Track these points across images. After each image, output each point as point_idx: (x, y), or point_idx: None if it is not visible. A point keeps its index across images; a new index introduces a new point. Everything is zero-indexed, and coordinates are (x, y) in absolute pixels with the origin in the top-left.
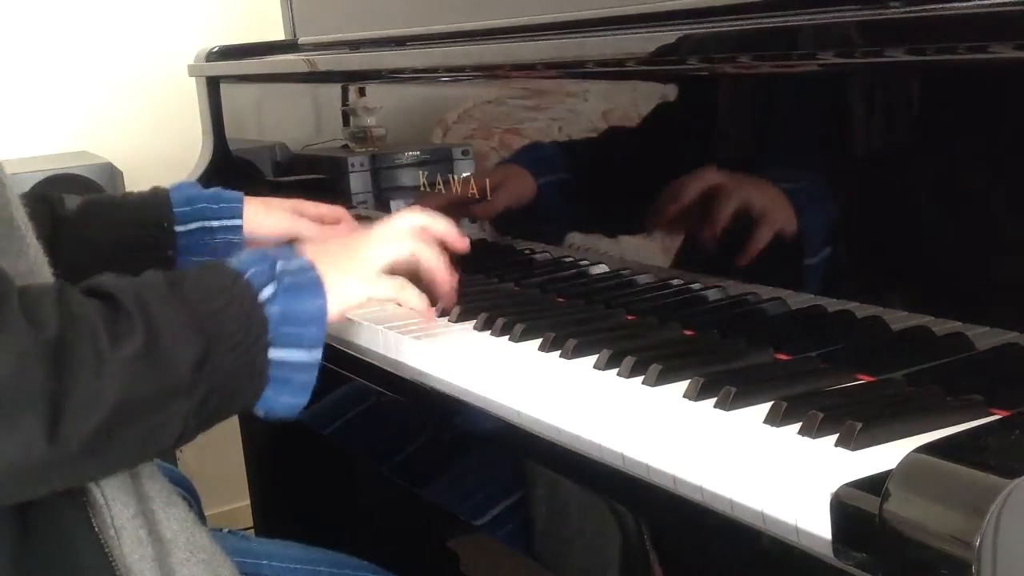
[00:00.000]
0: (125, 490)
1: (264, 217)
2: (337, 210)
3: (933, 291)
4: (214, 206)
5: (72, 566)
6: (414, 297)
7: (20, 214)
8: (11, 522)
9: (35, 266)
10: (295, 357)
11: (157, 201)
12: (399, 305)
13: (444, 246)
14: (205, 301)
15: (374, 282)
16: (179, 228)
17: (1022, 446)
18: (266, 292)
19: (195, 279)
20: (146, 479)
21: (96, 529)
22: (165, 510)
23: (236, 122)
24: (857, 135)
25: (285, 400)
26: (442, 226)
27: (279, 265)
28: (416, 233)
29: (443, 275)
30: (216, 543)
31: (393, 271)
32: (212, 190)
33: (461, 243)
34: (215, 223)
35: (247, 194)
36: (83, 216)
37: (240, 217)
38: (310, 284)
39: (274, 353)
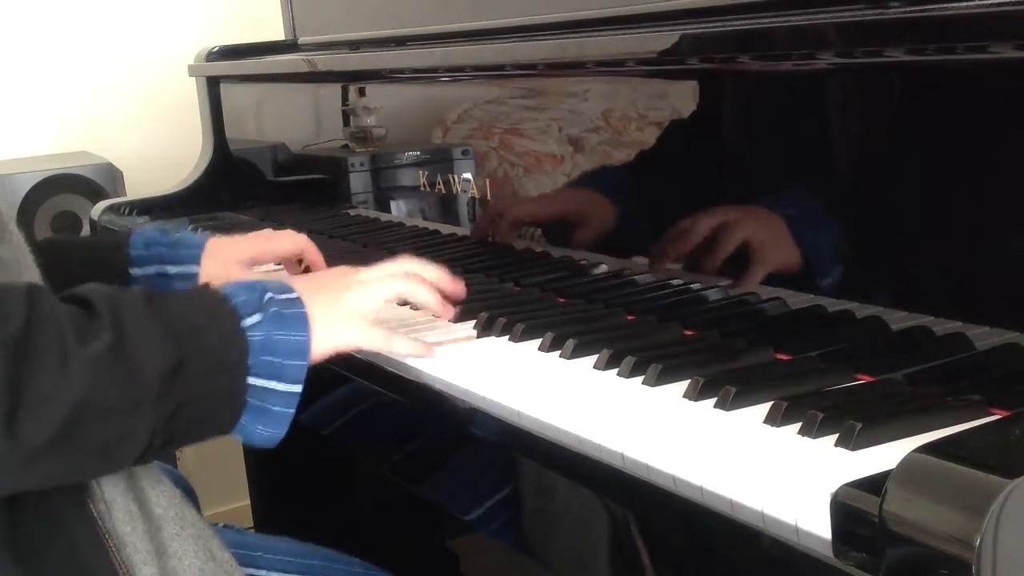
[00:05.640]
0: None
1: (215, 269)
2: (298, 242)
3: (933, 291)
4: (171, 252)
5: (65, 541)
6: (404, 345)
7: (2, 204)
8: (2, 499)
9: (19, 252)
10: (273, 387)
11: (115, 244)
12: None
13: (440, 291)
14: (186, 317)
15: (363, 331)
16: (136, 271)
17: (1022, 446)
18: (251, 319)
19: (180, 297)
20: None
21: (87, 504)
22: (153, 487)
23: (236, 122)
24: (857, 135)
25: (262, 430)
26: (433, 273)
27: (268, 295)
28: (406, 276)
29: (437, 309)
30: (204, 520)
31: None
32: (177, 235)
33: (455, 288)
34: (172, 269)
35: (248, 195)
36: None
37: (196, 264)
38: (296, 318)
39: (253, 381)
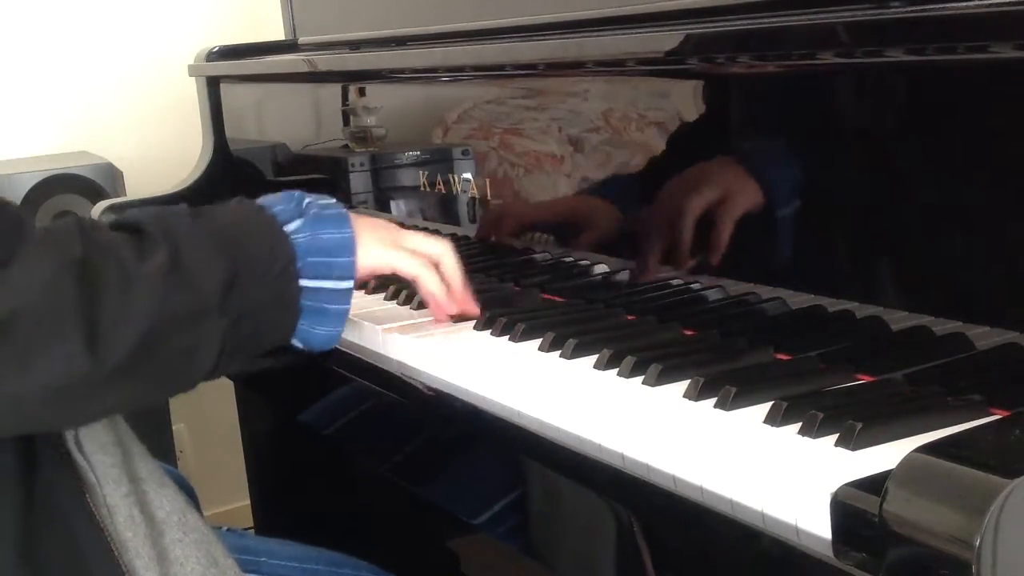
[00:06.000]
0: (116, 469)
1: None
2: None
3: (933, 291)
4: None
5: (71, 544)
6: (435, 283)
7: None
8: (15, 499)
9: None
10: (327, 286)
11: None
12: (417, 289)
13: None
14: (230, 232)
15: (401, 255)
16: None
17: (1022, 446)
18: (293, 224)
19: (221, 212)
20: (137, 459)
21: (90, 507)
22: (157, 491)
23: (236, 122)
24: (857, 135)
25: (320, 330)
26: (455, 270)
27: (306, 200)
28: (430, 263)
29: (440, 303)
30: (207, 525)
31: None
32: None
33: (464, 295)
34: None
35: (248, 195)
36: None
37: None
38: (337, 218)
39: (305, 282)
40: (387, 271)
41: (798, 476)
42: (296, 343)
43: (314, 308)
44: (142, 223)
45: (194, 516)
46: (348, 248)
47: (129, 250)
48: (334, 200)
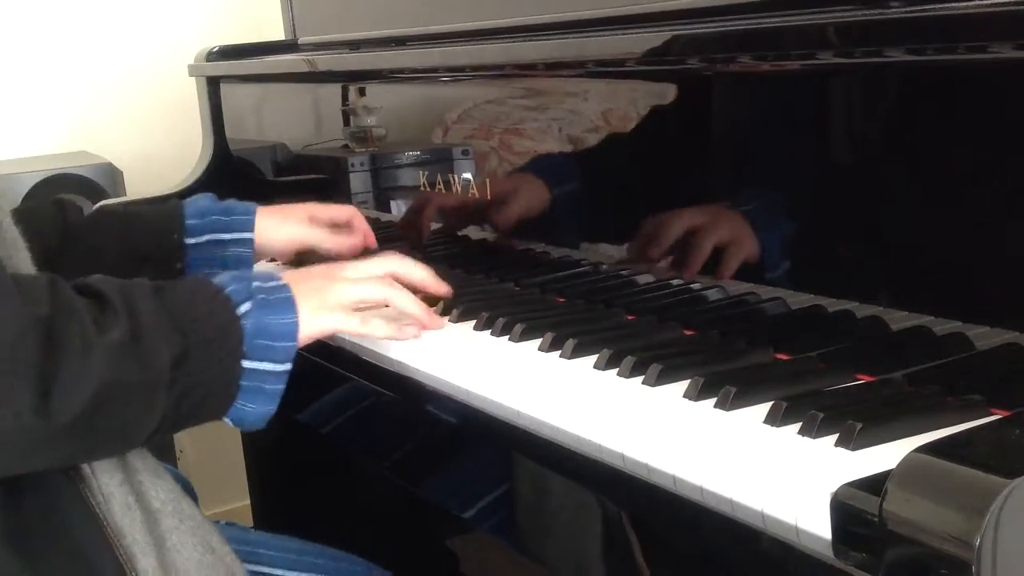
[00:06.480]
0: (110, 462)
1: (276, 230)
2: (347, 209)
3: (933, 291)
4: (226, 219)
5: (64, 532)
6: (381, 328)
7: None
8: (1, 490)
9: (12, 250)
10: (266, 368)
11: (169, 213)
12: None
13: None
14: (187, 308)
15: (342, 317)
16: (190, 240)
17: (1022, 446)
18: (243, 307)
19: (180, 288)
20: (132, 453)
21: (85, 494)
22: (152, 481)
23: (236, 122)
24: (857, 135)
25: (255, 408)
26: (419, 274)
27: (255, 283)
28: (390, 279)
29: (417, 313)
30: (203, 515)
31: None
32: (226, 202)
33: (441, 289)
34: (226, 236)
35: (248, 195)
36: (94, 224)
37: (251, 230)
38: (283, 303)
39: (247, 364)
40: (331, 334)
41: (798, 476)
42: (228, 421)
43: (253, 388)
44: (105, 293)
45: (190, 505)
46: (291, 335)
47: (91, 317)
48: (283, 282)
